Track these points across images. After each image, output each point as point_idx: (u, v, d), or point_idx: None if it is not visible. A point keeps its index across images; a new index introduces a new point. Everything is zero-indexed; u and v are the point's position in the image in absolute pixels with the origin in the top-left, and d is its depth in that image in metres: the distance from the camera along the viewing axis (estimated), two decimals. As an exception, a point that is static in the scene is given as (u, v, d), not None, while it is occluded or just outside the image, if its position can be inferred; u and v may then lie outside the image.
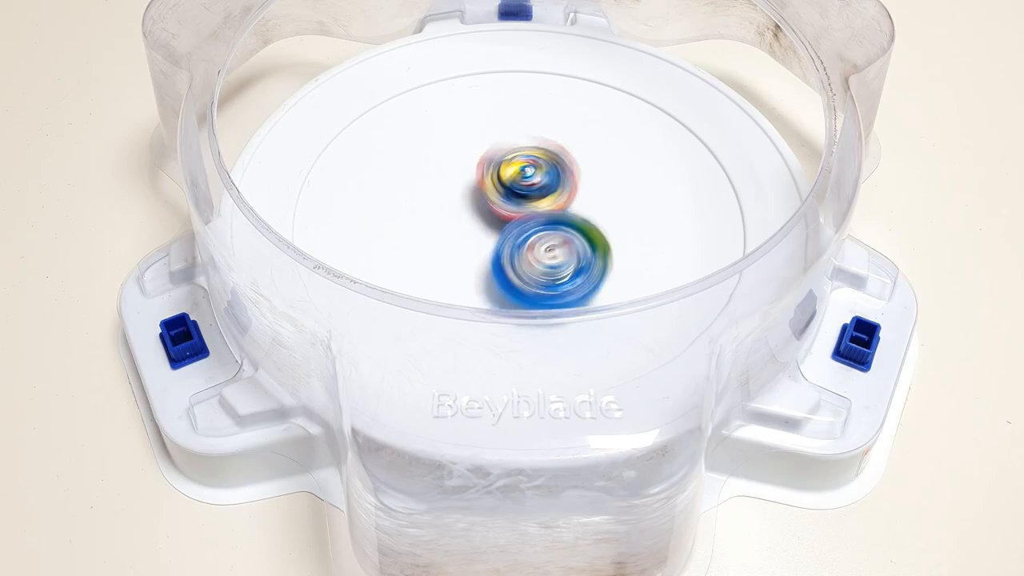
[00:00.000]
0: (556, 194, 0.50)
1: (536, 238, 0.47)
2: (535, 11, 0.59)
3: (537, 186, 0.50)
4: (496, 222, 0.50)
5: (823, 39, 0.51)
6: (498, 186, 0.50)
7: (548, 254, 0.47)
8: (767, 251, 0.43)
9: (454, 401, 0.42)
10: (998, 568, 0.46)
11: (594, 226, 0.48)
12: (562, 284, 0.46)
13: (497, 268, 0.47)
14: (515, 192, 0.50)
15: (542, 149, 0.51)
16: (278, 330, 0.44)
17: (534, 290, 0.46)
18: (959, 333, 0.52)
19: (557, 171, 0.50)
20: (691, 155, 0.53)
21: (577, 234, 0.48)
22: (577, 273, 0.47)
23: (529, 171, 0.50)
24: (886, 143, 0.58)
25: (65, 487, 0.48)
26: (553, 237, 0.47)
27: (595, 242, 0.47)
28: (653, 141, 0.54)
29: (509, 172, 0.50)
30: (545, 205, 0.50)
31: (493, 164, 0.50)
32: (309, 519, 0.47)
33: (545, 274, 0.46)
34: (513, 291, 0.46)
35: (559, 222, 0.48)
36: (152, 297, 0.50)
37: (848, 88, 0.49)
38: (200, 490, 0.47)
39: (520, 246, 0.47)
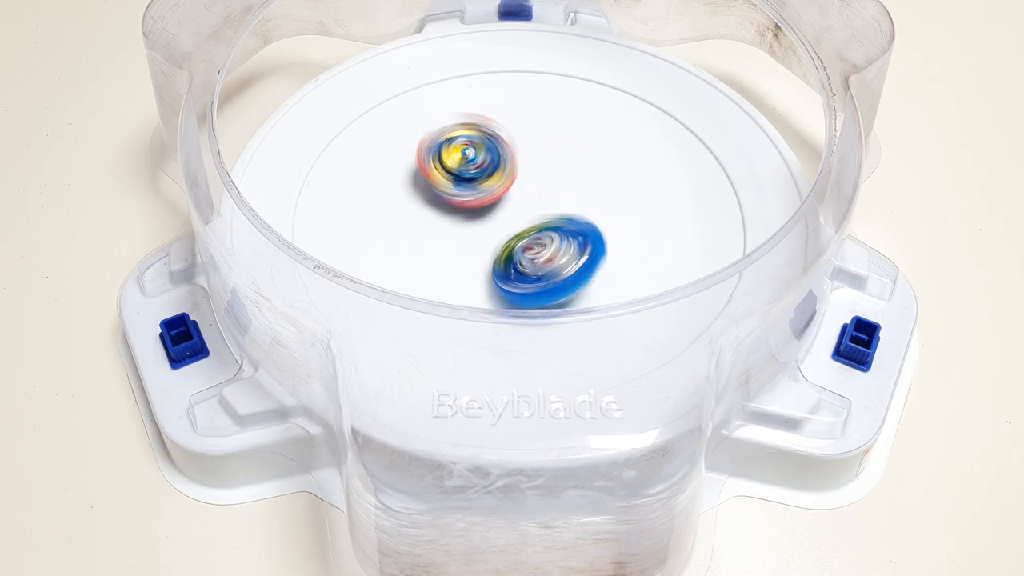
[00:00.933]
0: (500, 171, 0.50)
1: (528, 241, 0.48)
2: (535, 11, 0.59)
3: (482, 167, 0.50)
4: (497, 222, 0.50)
5: (823, 39, 0.51)
6: (446, 175, 0.50)
7: (531, 252, 0.47)
8: (767, 251, 0.43)
9: (454, 401, 0.42)
10: (998, 568, 0.46)
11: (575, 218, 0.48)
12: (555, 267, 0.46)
13: (500, 277, 0.47)
14: (463, 178, 0.50)
15: (472, 126, 0.51)
16: (278, 330, 0.44)
17: (534, 287, 0.46)
18: (959, 333, 0.52)
19: (495, 146, 0.51)
20: (691, 155, 0.53)
21: (558, 230, 0.48)
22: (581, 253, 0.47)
23: (470, 153, 0.50)
24: (886, 143, 0.58)
25: (65, 487, 0.48)
26: (542, 238, 0.48)
27: (582, 228, 0.48)
28: (653, 141, 0.54)
29: (453, 160, 0.50)
30: (493, 184, 0.50)
31: (433, 152, 0.51)
32: (309, 519, 0.47)
33: (535, 267, 0.47)
34: (518, 295, 0.47)
35: (545, 228, 0.48)
36: (152, 297, 0.50)
37: (848, 88, 0.49)
38: (200, 490, 0.47)
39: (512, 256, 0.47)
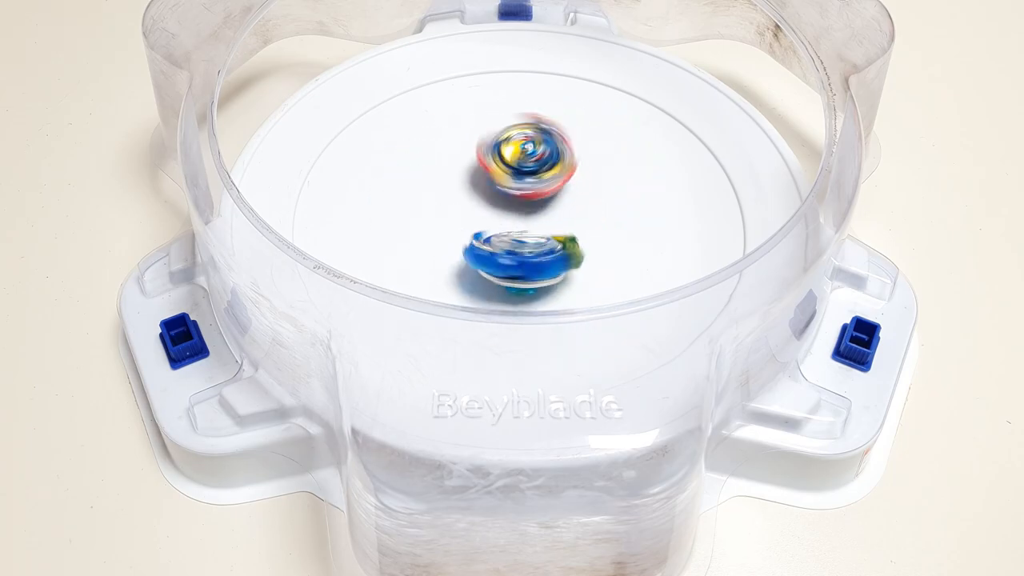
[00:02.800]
0: (560, 163, 0.51)
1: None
2: (535, 11, 0.59)
3: (542, 159, 0.51)
4: (497, 221, 0.50)
5: (823, 39, 0.51)
6: (504, 168, 0.51)
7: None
8: (767, 251, 0.43)
9: (454, 401, 0.42)
10: (998, 568, 0.46)
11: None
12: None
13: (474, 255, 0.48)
14: (523, 171, 0.50)
15: (531, 124, 0.52)
16: (278, 330, 0.44)
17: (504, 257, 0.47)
18: (959, 333, 0.52)
19: (553, 140, 0.51)
20: (691, 155, 0.53)
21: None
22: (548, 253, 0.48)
23: (529, 147, 0.51)
24: (886, 143, 0.58)
25: (65, 487, 0.48)
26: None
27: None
28: (653, 141, 0.54)
29: (510, 152, 0.51)
30: (554, 174, 0.50)
31: (491, 148, 0.51)
32: (309, 519, 0.47)
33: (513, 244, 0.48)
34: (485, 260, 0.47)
35: None
36: (152, 297, 0.50)
37: (848, 88, 0.49)
38: (200, 490, 0.47)
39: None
